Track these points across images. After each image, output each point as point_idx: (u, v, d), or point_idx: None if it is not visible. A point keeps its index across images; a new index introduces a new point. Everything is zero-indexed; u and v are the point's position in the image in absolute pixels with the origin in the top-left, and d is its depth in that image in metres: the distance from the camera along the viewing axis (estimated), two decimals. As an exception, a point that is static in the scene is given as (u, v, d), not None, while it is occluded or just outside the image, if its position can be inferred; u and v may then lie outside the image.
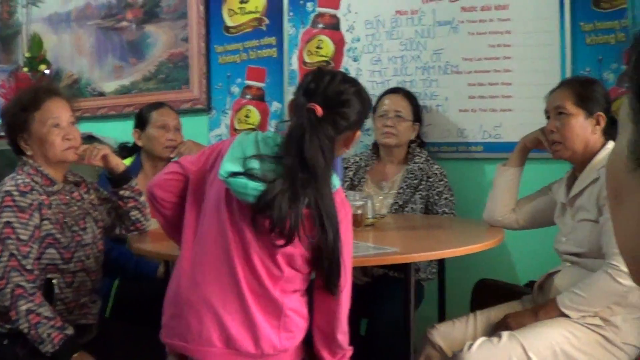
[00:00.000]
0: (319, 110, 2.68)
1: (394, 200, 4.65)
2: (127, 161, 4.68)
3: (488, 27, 5.02)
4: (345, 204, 2.83)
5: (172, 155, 4.66)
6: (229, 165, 2.67)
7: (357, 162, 4.92)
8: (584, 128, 3.58)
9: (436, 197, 4.67)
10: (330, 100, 2.73)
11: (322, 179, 2.66)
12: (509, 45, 4.98)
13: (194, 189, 2.92)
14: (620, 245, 0.86)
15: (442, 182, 4.69)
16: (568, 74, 4.72)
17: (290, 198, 2.60)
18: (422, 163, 4.74)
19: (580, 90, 3.63)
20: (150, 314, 3.20)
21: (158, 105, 4.85)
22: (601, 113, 3.58)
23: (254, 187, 2.61)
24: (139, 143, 4.76)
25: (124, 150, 4.87)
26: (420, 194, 4.68)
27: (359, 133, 2.90)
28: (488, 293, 4.24)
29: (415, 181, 4.68)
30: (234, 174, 2.63)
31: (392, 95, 4.89)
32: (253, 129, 5.64)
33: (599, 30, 4.76)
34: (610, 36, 4.74)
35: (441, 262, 4.35)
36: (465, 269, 4.56)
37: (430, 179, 4.69)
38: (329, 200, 2.68)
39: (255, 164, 2.67)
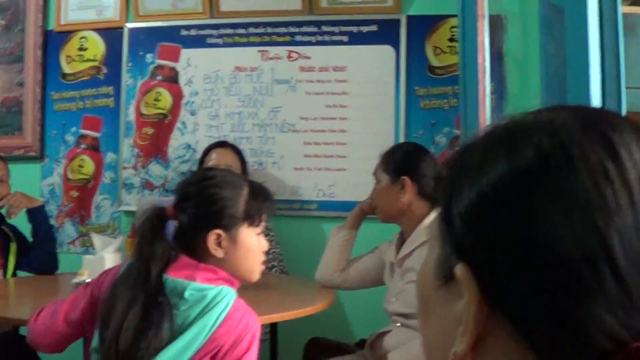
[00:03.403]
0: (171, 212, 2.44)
1: None
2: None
3: (325, 88, 4.99)
4: (249, 317, 2.46)
5: (10, 202, 4.35)
6: None
7: None
8: (388, 193, 3.58)
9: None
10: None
11: None
12: (345, 106, 4.95)
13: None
14: (425, 356, 0.88)
15: (267, 237, 4.53)
16: (402, 137, 4.75)
17: None
18: None
19: (386, 156, 3.66)
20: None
21: None
22: (405, 177, 3.53)
23: None
24: None
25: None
26: None
27: None
28: (320, 351, 4.11)
29: None
30: None
31: (220, 149, 4.72)
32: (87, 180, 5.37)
33: (432, 95, 4.80)
34: (443, 101, 4.77)
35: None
36: (298, 327, 4.40)
37: None
38: None
39: None
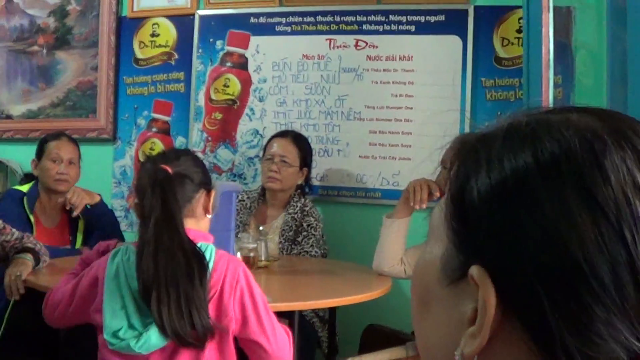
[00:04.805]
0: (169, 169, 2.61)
1: (279, 253, 4.45)
2: (25, 187, 4.41)
3: (392, 77, 4.96)
4: (233, 262, 2.69)
5: (71, 201, 4.40)
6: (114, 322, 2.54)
7: (244, 201, 4.68)
8: None
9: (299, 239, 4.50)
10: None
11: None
12: (411, 96, 4.91)
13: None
14: (421, 351, 0.85)
15: (310, 230, 4.52)
16: (467, 127, 4.69)
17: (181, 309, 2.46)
18: (296, 213, 4.55)
19: None
20: (44, 339, 3.15)
21: (56, 136, 4.53)
22: None
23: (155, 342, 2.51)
24: (35, 173, 4.45)
25: (26, 178, 4.66)
26: None
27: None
28: (376, 338, 4.10)
29: (290, 233, 4.50)
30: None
31: (280, 139, 4.68)
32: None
33: (499, 86, 4.73)
34: (510, 93, 4.71)
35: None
36: (356, 313, 4.42)
37: (301, 227, 4.51)
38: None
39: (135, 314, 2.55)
